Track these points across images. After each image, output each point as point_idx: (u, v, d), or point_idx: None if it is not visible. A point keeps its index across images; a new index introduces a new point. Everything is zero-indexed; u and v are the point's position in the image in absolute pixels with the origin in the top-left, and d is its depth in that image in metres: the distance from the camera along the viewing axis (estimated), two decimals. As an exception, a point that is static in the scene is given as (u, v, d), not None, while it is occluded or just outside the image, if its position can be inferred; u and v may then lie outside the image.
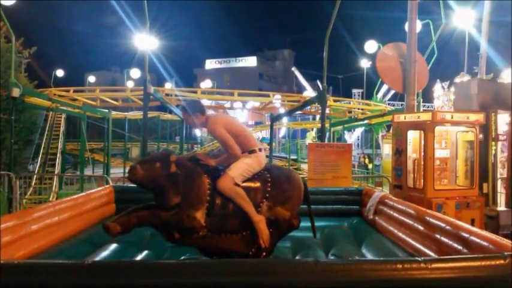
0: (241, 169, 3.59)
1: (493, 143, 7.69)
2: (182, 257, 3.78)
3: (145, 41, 10.86)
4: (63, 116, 16.48)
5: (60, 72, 30.26)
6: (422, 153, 6.77)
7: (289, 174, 3.93)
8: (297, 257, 3.99)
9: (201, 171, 3.52)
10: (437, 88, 10.75)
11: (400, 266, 2.04)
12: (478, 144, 7.01)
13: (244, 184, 3.59)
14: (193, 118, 3.74)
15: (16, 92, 9.69)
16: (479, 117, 6.95)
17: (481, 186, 7.22)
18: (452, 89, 9.89)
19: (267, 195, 3.63)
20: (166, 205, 3.36)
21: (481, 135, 7.30)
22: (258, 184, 3.65)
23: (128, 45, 23.82)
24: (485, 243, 2.73)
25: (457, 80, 9.38)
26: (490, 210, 7.30)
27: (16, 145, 11.27)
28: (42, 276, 1.99)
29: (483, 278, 2.05)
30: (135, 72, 29.34)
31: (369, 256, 3.89)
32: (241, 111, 29.59)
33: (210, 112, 4.00)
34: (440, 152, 7.01)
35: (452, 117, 6.83)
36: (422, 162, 6.74)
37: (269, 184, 3.66)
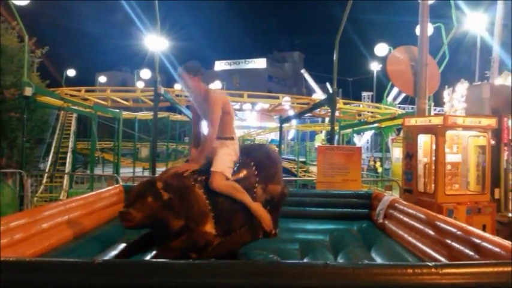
0: (226, 161, 3.55)
1: (505, 148, 7.60)
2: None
3: (156, 42, 10.92)
4: (74, 115, 16.64)
5: (71, 72, 30.60)
6: (433, 158, 6.71)
7: (266, 150, 4.02)
8: (305, 260, 3.97)
9: (190, 183, 3.37)
10: (446, 93, 10.68)
11: (411, 270, 2.02)
12: (490, 149, 6.93)
13: (234, 177, 3.56)
14: (195, 80, 3.62)
15: (28, 91, 9.81)
16: (492, 121, 6.87)
17: (492, 192, 7.15)
18: (455, 95, 9.82)
19: (257, 179, 3.67)
20: (170, 233, 3.17)
21: (493, 141, 7.22)
22: (245, 172, 3.66)
23: (138, 46, 24.08)
24: (497, 250, 2.69)
25: (458, 86, 9.31)
26: (501, 216, 7.22)
27: (28, 143, 11.40)
28: (52, 274, 2.00)
29: (495, 285, 2.01)
30: (146, 73, 29.54)
31: (378, 260, 3.86)
32: (250, 113, 29.64)
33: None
34: (452, 157, 6.95)
35: (464, 122, 6.77)
36: (433, 167, 6.68)
37: (254, 168, 3.70)
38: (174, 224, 3.14)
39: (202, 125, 3.83)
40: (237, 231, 3.55)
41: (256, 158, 3.77)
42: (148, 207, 3.04)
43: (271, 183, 3.75)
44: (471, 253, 2.94)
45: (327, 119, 22.70)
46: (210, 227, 3.31)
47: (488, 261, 2.34)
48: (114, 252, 3.74)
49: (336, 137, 15.39)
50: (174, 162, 23.03)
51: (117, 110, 16.20)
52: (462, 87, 9.27)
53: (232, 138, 3.71)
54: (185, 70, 3.65)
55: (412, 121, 7.29)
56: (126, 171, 18.01)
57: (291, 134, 33.14)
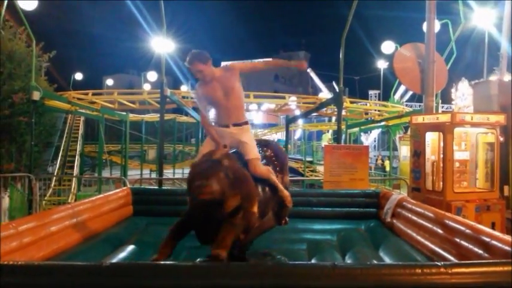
0: (255, 146, 3.64)
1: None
2: (199, 259, 3.79)
3: (162, 44, 10.95)
4: (82, 118, 16.75)
5: (79, 76, 30.76)
6: (441, 155, 6.66)
7: (277, 144, 4.32)
8: (313, 260, 3.96)
9: (240, 165, 3.40)
10: (453, 91, 10.60)
11: (420, 270, 2.01)
12: (498, 146, 6.86)
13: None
14: (208, 66, 3.53)
15: (36, 95, 9.89)
16: (500, 118, 6.80)
17: (501, 189, 7.07)
18: (458, 93, 9.73)
19: (277, 168, 3.86)
20: (223, 213, 3.08)
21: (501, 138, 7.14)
22: (269, 162, 3.84)
23: (145, 49, 24.16)
24: (507, 248, 2.66)
25: (460, 85, 9.23)
26: (511, 213, 7.13)
27: (36, 147, 11.48)
28: (61, 277, 2.01)
29: (505, 284, 1.99)
30: (152, 75, 29.63)
31: (387, 260, 3.84)
32: (256, 113, 29.64)
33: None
34: (460, 154, 6.89)
35: (472, 119, 6.71)
36: (441, 165, 6.63)
37: (274, 159, 3.89)
38: (230, 204, 3.10)
39: (215, 113, 3.78)
40: (267, 216, 3.68)
41: (274, 150, 3.98)
42: (222, 183, 3.00)
43: (285, 175, 3.98)
44: (480, 252, 2.91)
45: (333, 118, 22.61)
46: (256, 208, 3.38)
47: (497, 260, 2.31)
48: (122, 255, 3.76)
49: (343, 136, 15.35)
50: (181, 164, 23.10)
51: (124, 113, 16.27)
52: (463, 85, 9.22)
53: (247, 123, 3.74)
54: (199, 61, 3.52)
55: (420, 119, 7.24)
56: (133, 173, 18.08)
57: (298, 134, 33.08)
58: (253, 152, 3.56)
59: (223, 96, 3.59)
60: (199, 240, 3.32)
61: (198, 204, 3.00)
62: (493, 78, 10.33)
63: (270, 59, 3.93)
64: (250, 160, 3.49)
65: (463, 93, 9.25)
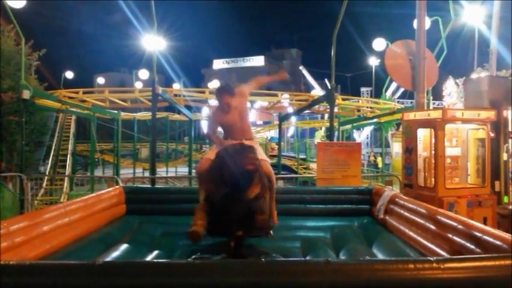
0: (263, 153, 4.27)
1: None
2: (192, 257, 3.79)
3: (153, 42, 10.90)
4: (73, 117, 16.61)
5: (69, 74, 30.44)
6: (433, 152, 6.70)
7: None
8: (307, 257, 3.97)
9: None
10: (444, 88, 10.69)
11: (412, 265, 2.02)
12: (489, 141, 6.92)
13: None
14: (234, 99, 4.02)
15: (26, 94, 9.79)
16: (491, 114, 6.86)
17: (493, 185, 7.13)
18: (446, 91, 9.83)
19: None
20: (246, 198, 3.43)
21: (492, 134, 7.20)
22: None
23: (136, 47, 24.02)
24: (498, 243, 2.69)
25: (447, 83, 9.32)
26: (502, 208, 7.20)
27: (27, 147, 11.38)
28: (54, 277, 2.00)
29: (497, 278, 2.01)
30: (144, 73, 29.44)
31: (380, 256, 3.86)
32: (249, 111, 29.62)
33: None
34: (451, 150, 6.94)
35: (463, 115, 6.75)
36: (433, 161, 6.67)
37: None
38: (253, 190, 3.46)
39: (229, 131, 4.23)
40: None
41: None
42: (256, 161, 3.46)
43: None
44: (472, 247, 2.94)
45: (326, 115, 22.68)
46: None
47: (489, 255, 2.34)
48: (115, 253, 3.74)
49: (336, 133, 15.38)
50: (174, 162, 23.02)
51: (116, 111, 16.16)
52: (450, 83, 9.29)
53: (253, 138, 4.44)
54: (229, 95, 4.00)
55: (411, 115, 7.27)
56: (126, 172, 18.00)
57: (291, 131, 33.09)
58: (264, 155, 4.15)
59: (239, 119, 4.14)
60: (210, 229, 3.53)
61: (245, 173, 3.33)
62: (476, 75, 10.41)
63: (259, 78, 4.72)
64: (262, 160, 3.92)
65: (450, 91, 9.34)
